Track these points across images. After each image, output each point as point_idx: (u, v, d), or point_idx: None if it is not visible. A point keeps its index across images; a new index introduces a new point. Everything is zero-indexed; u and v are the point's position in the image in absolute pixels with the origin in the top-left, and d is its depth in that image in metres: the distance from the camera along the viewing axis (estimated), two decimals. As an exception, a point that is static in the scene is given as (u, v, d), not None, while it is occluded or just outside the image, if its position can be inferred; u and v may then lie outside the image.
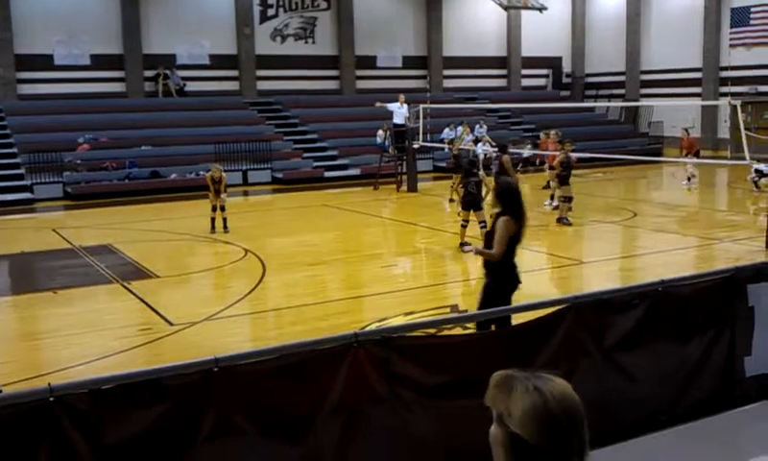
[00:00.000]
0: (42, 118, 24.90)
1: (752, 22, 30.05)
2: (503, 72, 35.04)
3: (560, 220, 15.83)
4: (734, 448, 6.12)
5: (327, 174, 25.29)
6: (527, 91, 34.72)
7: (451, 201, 18.62)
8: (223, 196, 15.56)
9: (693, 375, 6.09)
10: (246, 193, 23.57)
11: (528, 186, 21.13)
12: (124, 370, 4.88)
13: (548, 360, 5.24)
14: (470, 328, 7.16)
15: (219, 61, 29.07)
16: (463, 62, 33.51)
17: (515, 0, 30.41)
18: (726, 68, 30.92)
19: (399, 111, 22.90)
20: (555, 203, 17.49)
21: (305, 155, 26.48)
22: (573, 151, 17.45)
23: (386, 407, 4.85)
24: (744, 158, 15.16)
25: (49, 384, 4.03)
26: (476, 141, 23.32)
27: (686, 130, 23.36)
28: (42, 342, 9.42)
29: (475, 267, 10.84)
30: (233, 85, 29.37)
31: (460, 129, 24.11)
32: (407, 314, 9.49)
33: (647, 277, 9.45)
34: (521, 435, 1.77)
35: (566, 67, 36.56)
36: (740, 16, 30.34)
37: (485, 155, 21.43)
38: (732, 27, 30.61)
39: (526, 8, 31.02)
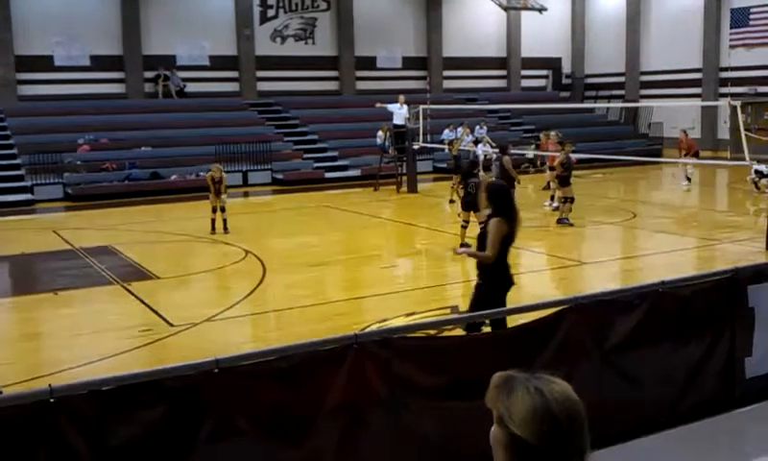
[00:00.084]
0: (42, 119, 24.91)
1: (751, 23, 30.05)
2: (503, 73, 35.04)
3: (560, 220, 15.83)
4: (735, 450, 6.12)
5: (328, 175, 25.28)
6: (527, 92, 34.72)
7: (451, 202, 18.63)
8: (223, 197, 15.56)
9: (694, 375, 6.09)
10: (246, 194, 23.56)
11: (530, 187, 21.14)
12: (124, 371, 4.87)
13: (549, 361, 5.24)
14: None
15: (219, 62, 29.07)
16: (463, 63, 33.52)
17: (514, 1, 30.42)
18: (726, 69, 30.91)
19: (399, 112, 22.90)
20: (555, 204, 17.49)
21: (305, 156, 26.49)
22: (573, 152, 17.45)
23: (386, 408, 4.85)
24: (744, 159, 15.16)
25: (49, 385, 4.03)
26: (476, 142, 23.32)
27: (685, 131, 23.36)
28: (43, 343, 9.43)
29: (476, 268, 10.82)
30: (233, 87, 29.36)
31: (460, 130, 24.11)
32: (408, 315, 9.50)
33: (648, 277, 9.45)
34: (522, 436, 1.77)
35: (566, 68, 36.56)
36: (740, 17, 30.34)
37: (485, 156, 21.43)
38: (731, 28, 30.61)
39: (526, 8, 31.03)
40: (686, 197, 21.26)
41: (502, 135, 26.62)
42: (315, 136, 27.81)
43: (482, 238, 7.02)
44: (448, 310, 9.70)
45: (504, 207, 6.93)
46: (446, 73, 33.21)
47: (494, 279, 6.95)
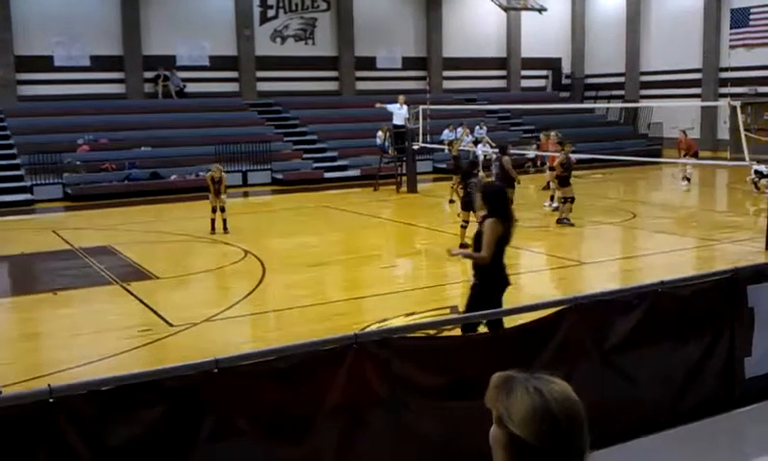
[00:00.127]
0: (42, 119, 24.91)
1: (751, 23, 30.05)
2: (503, 73, 35.04)
3: (560, 220, 15.84)
4: (735, 450, 6.12)
5: (327, 175, 25.28)
6: (527, 92, 34.72)
7: (451, 202, 18.63)
8: (223, 197, 15.56)
9: (693, 375, 6.09)
10: (246, 194, 23.56)
11: (530, 188, 21.14)
12: (124, 371, 4.87)
13: (549, 361, 5.24)
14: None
15: (219, 63, 29.07)
16: (462, 63, 33.52)
17: (514, 1, 30.41)
18: (725, 69, 30.91)
19: (399, 112, 22.89)
20: (555, 204, 17.50)
21: (305, 156, 26.48)
22: (573, 152, 17.46)
23: (386, 408, 4.84)
24: (744, 160, 15.17)
25: (49, 385, 4.03)
26: (476, 142, 23.33)
27: (684, 131, 23.37)
28: (42, 343, 9.42)
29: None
30: (233, 87, 29.36)
31: (460, 130, 24.13)
32: (407, 315, 9.50)
33: (647, 277, 9.44)
34: (521, 436, 1.77)
35: (566, 68, 36.56)
36: (740, 17, 30.34)
37: (485, 156, 21.43)
38: (731, 28, 30.61)
39: (526, 9, 31.02)
40: (686, 197, 21.26)
41: (502, 136, 26.62)
42: (315, 136, 27.81)
43: (477, 239, 7.03)
44: (448, 310, 9.69)
45: (499, 208, 6.94)
46: (446, 73, 33.20)
47: (490, 279, 6.96)
